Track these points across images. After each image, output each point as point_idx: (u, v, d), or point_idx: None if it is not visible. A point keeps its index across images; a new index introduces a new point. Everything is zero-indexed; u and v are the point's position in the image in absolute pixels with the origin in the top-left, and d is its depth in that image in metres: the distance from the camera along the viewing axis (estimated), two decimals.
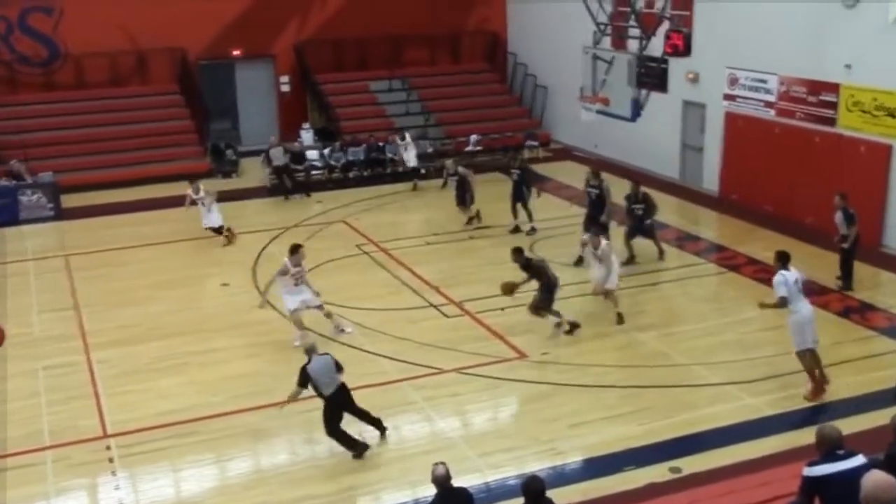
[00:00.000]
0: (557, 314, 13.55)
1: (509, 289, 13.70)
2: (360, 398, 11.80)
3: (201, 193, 18.30)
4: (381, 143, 24.28)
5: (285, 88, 27.72)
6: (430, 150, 24.90)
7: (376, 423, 10.77)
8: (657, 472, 9.88)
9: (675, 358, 12.66)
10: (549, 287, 13.38)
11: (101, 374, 12.72)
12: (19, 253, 18.48)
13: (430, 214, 19.39)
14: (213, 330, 14.15)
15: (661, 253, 16.75)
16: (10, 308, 15.28)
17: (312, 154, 24.05)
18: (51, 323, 14.69)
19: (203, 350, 13.25)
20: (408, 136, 23.51)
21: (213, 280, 16.42)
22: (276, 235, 18.90)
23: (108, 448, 10.81)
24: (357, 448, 10.39)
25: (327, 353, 10.50)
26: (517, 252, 13.56)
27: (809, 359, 11.33)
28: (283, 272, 13.25)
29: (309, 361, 10.27)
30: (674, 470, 9.91)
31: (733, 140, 20.43)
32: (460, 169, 19.33)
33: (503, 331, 13.63)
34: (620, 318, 13.82)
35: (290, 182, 22.13)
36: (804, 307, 11.20)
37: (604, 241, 13.98)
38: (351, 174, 23.67)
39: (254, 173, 23.53)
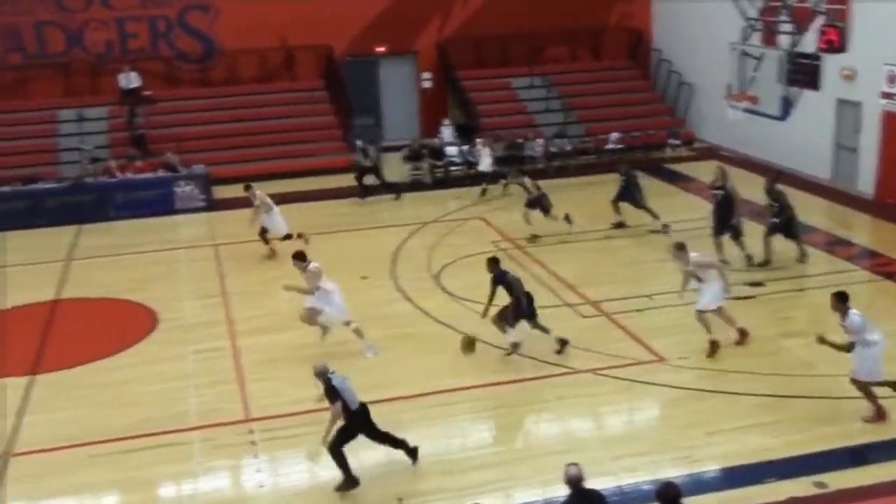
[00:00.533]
0: (545, 330, 12.72)
1: (469, 344, 12.91)
2: (492, 396, 11.87)
3: (257, 201, 17.83)
4: (520, 141, 24.23)
5: (427, 85, 28.05)
6: (568, 147, 24.73)
7: (403, 446, 10.24)
8: (800, 487, 9.50)
9: (820, 368, 12.11)
10: (518, 304, 12.57)
11: (246, 361, 13.21)
12: (173, 241, 19.42)
13: (567, 212, 19.19)
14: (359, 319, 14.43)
15: (803, 255, 16.07)
16: (164, 294, 16.05)
17: (451, 150, 24.26)
18: (201, 309, 15.36)
19: (340, 341, 13.55)
20: (479, 141, 23.06)
21: (353, 273, 16.78)
22: (414, 230, 19.17)
23: (251, 432, 11.22)
24: (349, 481, 9.79)
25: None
26: (492, 262, 12.84)
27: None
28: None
29: (330, 380, 9.83)
30: (819, 485, 9.50)
31: (892, 140, 19.39)
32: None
33: (641, 333, 13.39)
34: (712, 348, 12.54)
35: (376, 181, 22.15)
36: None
37: (693, 255, 12.60)
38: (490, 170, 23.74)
39: (394, 169, 23.92)
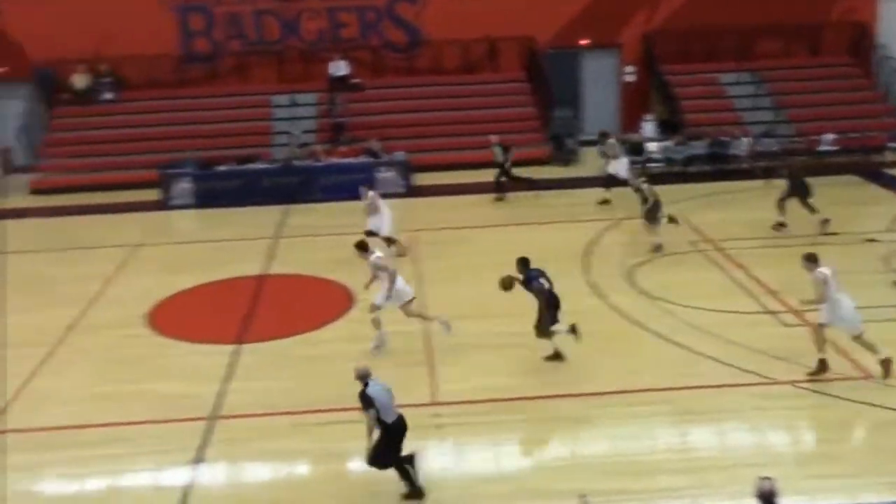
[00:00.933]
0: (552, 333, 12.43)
1: (508, 283, 12.66)
2: (683, 400, 11.51)
3: (367, 199, 17.67)
4: (725, 139, 23.40)
5: (629, 79, 27.56)
6: (775, 148, 23.63)
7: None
8: None
9: None
10: (546, 306, 12.38)
11: (437, 344, 13.46)
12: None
13: (770, 214, 18.35)
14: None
15: None
16: (361, 275, 16.56)
17: (652, 146, 23.74)
18: None
19: (528, 332, 13.56)
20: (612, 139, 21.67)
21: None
22: (608, 226, 18.90)
23: (438, 415, 11.43)
24: (414, 490, 9.54)
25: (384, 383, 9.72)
26: (521, 262, 12.72)
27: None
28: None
29: (367, 385, 9.49)
30: None
31: None
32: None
33: (847, 346, 12.61)
34: (821, 366, 11.74)
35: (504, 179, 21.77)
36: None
37: (820, 269, 11.65)
38: (692, 168, 23.08)
39: (592, 163, 23.64)
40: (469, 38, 26.65)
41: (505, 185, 21.77)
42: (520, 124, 25.66)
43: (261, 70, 26.84)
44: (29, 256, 18.66)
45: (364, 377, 9.60)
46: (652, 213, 17.22)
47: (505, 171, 21.76)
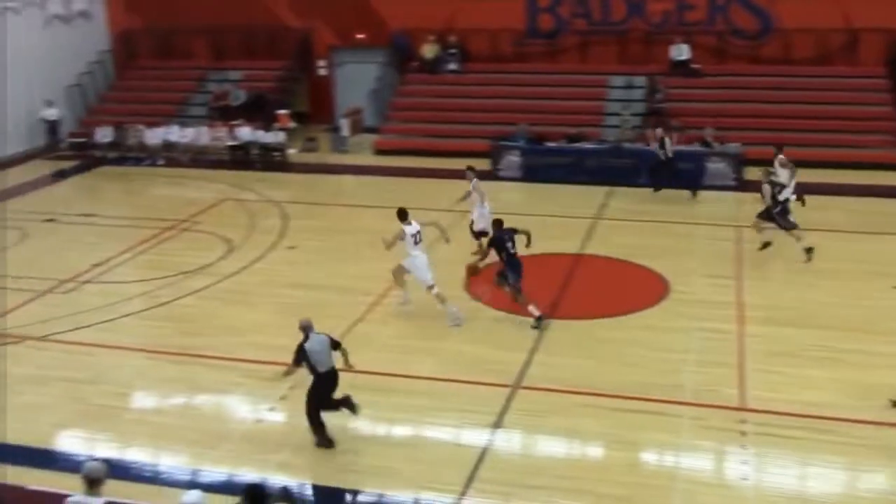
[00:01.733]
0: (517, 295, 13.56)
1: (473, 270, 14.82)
2: None
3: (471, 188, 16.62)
4: None
5: None
6: None
7: (347, 405, 10.56)
8: None
9: None
10: (508, 265, 13.72)
11: (750, 348, 12.79)
12: (696, 216, 19.41)
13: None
14: (875, 332, 13.22)
15: None
16: (678, 266, 16.13)
17: None
18: (712, 288, 15.16)
19: (860, 350, 12.49)
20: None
21: (883, 280, 15.29)
22: None
23: (743, 421, 10.88)
24: (324, 441, 10.50)
25: (323, 333, 10.46)
26: (495, 223, 14.26)
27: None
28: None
29: (306, 339, 10.25)
30: None
31: None
32: None
33: None
34: None
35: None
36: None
37: None
38: None
39: None
40: (826, 27, 24.78)
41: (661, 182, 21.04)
42: (872, 124, 23.54)
43: (601, 49, 26.77)
44: (369, 211, 20.09)
45: (306, 329, 10.43)
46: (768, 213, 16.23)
47: (661, 165, 20.97)
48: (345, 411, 10.64)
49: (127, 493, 9.07)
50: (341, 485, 9.94)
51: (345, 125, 26.42)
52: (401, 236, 13.97)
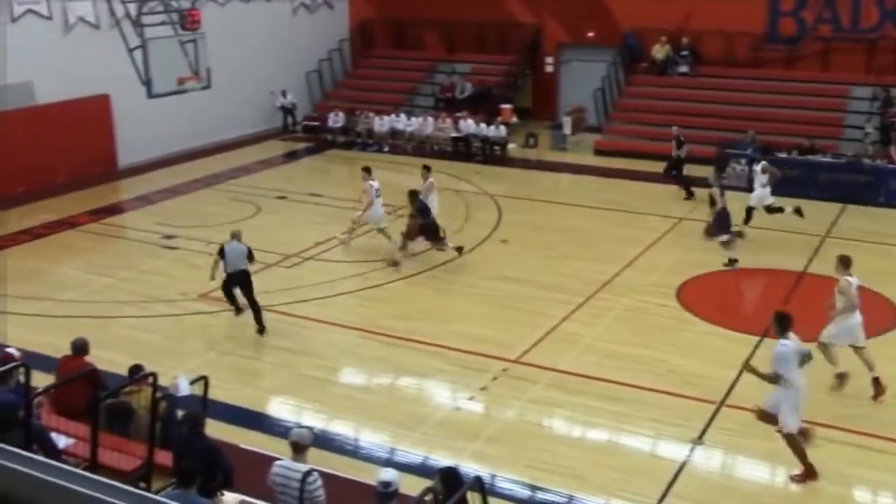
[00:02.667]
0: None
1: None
2: None
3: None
4: None
5: None
6: None
7: (257, 318, 13.54)
8: None
9: None
10: (424, 227, 16.20)
11: None
12: None
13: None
14: None
15: None
16: None
17: None
18: None
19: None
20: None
21: None
22: None
23: None
24: (235, 309, 13.98)
25: (244, 245, 13.61)
26: (412, 195, 16.32)
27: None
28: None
29: (232, 240, 13.63)
30: None
31: None
32: None
33: None
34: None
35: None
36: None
37: (848, 277, 11.50)
38: None
39: None
40: None
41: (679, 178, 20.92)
42: None
43: (845, 58, 25.15)
44: (583, 210, 19.95)
45: (233, 236, 13.75)
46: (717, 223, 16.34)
47: (675, 165, 21.04)
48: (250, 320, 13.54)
49: (328, 464, 9.46)
50: (530, 481, 9.93)
51: (567, 123, 26.32)
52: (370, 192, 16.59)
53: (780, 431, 9.68)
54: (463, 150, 25.54)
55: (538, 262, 16.73)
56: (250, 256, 13.70)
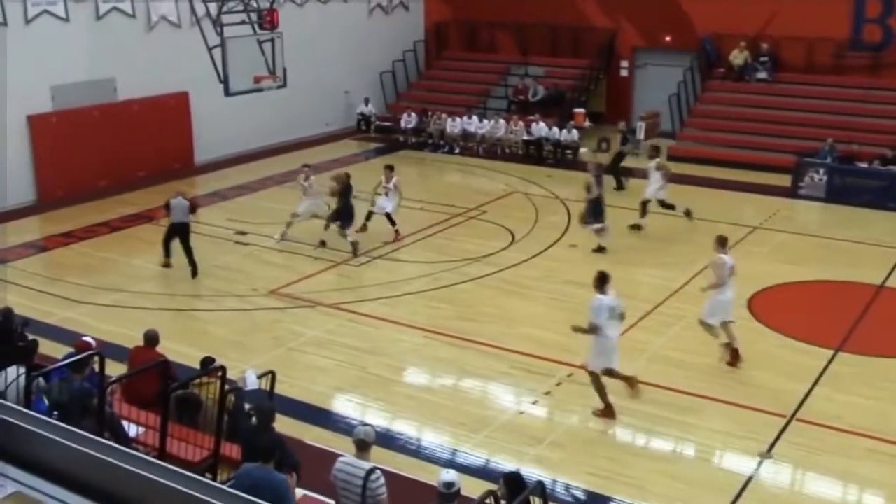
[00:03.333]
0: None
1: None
2: None
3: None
4: None
5: None
6: None
7: (190, 261, 15.96)
8: None
9: None
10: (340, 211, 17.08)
11: None
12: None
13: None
14: None
15: None
16: None
17: None
18: None
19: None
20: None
21: None
22: None
23: None
24: (166, 257, 16.35)
25: (187, 200, 16.00)
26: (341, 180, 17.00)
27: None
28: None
29: (175, 198, 15.98)
30: None
31: None
32: None
33: None
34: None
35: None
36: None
37: (720, 255, 12.51)
38: None
39: None
40: None
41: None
42: None
43: None
44: (654, 217, 19.66)
45: (178, 194, 16.16)
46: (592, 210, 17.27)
47: (617, 158, 22.03)
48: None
49: (390, 462, 9.51)
50: (592, 488, 9.83)
51: (640, 128, 26.01)
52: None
53: (584, 368, 11.30)
54: (534, 154, 25.44)
55: (608, 267, 16.42)
56: (192, 210, 16.23)
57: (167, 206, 16.12)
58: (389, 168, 18.63)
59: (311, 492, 8.35)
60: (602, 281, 11.14)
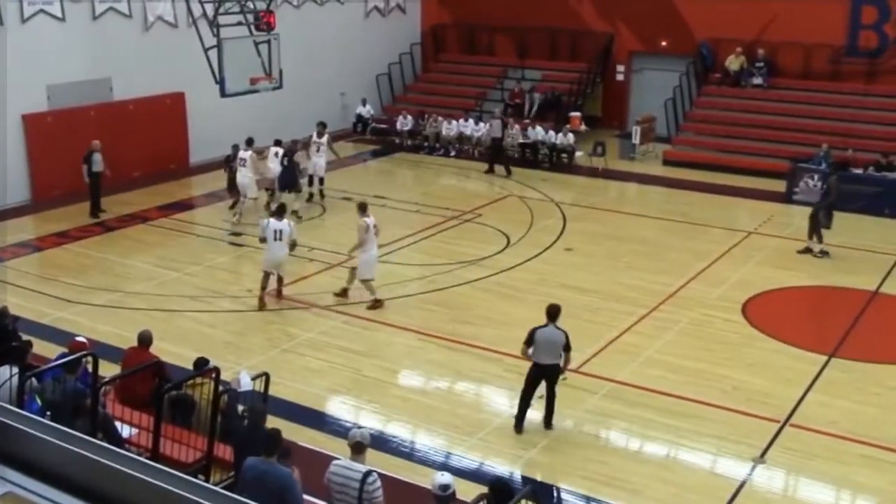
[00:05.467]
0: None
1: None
2: None
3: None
4: None
5: None
6: None
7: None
8: None
9: None
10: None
11: None
12: None
13: None
14: None
15: None
16: None
17: None
18: None
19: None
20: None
21: None
22: None
23: None
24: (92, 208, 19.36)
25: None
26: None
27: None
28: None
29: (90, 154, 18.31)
30: None
31: None
32: None
33: None
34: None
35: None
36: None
37: (362, 220, 14.81)
38: None
39: None
40: None
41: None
42: None
43: None
44: (650, 221, 19.73)
45: (94, 148, 18.62)
46: None
47: (497, 148, 23.86)
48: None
49: (384, 465, 9.49)
50: (585, 492, 9.83)
51: (636, 132, 26.05)
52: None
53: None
54: (530, 157, 25.45)
55: (602, 271, 16.58)
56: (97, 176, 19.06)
57: (86, 159, 18.93)
58: (322, 125, 21.07)
59: (304, 494, 8.33)
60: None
